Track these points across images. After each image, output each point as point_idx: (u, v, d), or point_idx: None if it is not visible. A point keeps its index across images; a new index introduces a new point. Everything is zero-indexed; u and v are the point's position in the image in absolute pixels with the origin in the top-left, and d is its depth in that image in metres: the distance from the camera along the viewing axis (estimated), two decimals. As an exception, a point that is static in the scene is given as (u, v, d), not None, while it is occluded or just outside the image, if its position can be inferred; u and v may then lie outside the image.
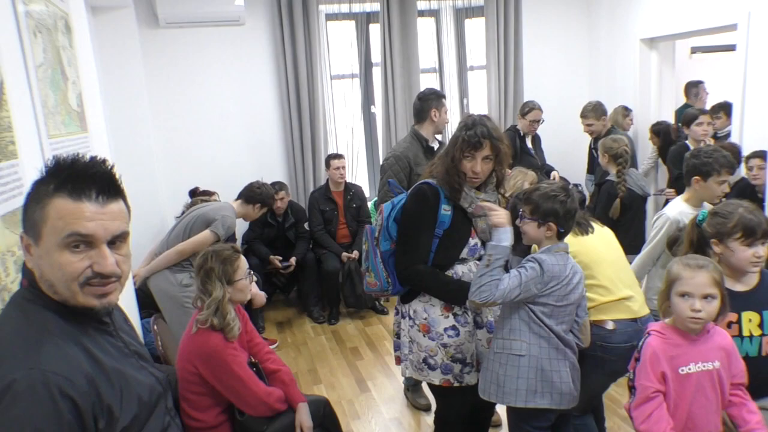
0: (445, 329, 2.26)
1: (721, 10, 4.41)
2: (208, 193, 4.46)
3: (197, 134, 5.13)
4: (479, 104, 5.75)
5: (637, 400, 1.80)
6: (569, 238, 2.23)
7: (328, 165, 4.93)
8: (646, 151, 5.25)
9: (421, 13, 5.42)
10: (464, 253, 2.28)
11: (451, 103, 5.69)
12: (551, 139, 5.13)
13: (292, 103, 5.15)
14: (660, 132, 4.85)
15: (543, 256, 2.01)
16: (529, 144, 4.76)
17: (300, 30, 5.00)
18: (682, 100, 5.66)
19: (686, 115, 4.09)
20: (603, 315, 2.27)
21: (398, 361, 2.50)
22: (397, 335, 2.48)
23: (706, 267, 1.77)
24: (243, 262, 2.40)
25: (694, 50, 6.50)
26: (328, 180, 4.99)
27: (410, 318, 2.32)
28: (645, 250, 2.83)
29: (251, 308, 3.62)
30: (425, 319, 2.27)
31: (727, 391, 1.81)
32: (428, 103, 3.32)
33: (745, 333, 1.98)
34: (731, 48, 4.48)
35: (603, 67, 5.84)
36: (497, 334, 2.14)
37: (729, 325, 1.98)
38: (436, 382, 2.28)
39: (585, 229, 2.37)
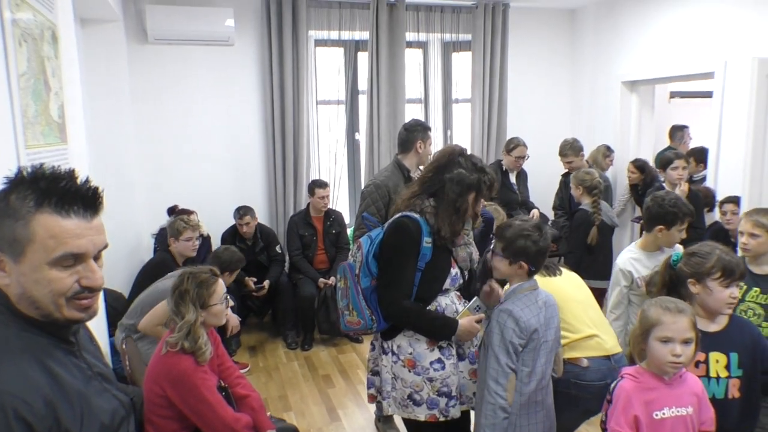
0: (431, 363, 2.22)
1: (699, 59, 4.56)
2: (187, 212, 4.40)
3: (180, 152, 5.09)
4: (463, 137, 5.82)
5: None
6: (536, 280, 2.27)
7: (312, 192, 4.89)
8: (623, 187, 5.33)
9: (410, 44, 5.49)
10: (446, 284, 2.28)
11: (435, 134, 5.74)
12: (531, 175, 5.20)
13: (277, 126, 5.14)
14: (643, 167, 4.94)
15: (510, 306, 2.00)
16: (512, 180, 4.79)
17: (288, 54, 5.03)
18: (660, 142, 5.79)
19: (662, 159, 4.16)
20: (576, 352, 2.28)
21: (372, 399, 2.45)
22: (373, 372, 2.43)
23: (686, 311, 1.78)
24: (220, 287, 2.35)
25: (673, 95, 6.68)
26: (308, 205, 4.97)
27: (393, 354, 2.27)
28: (610, 302, 2.79)
29: (224, 332, 3.54)
30: (410, 354, 2.24)
31: None
32: (414, 135, 3.32)
33: (712, 374, 1.99)
34: (708, 95, 4.61)
35: (585, 107, 5.97)
36: (481, 384, 2.12)
37: (697, 364, 1.98)
38: (422, 417, 2.24)
39: (553, 272, 2.42)
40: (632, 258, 2.72)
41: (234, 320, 3.47)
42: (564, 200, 4.58)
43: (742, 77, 3.89)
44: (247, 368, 4.34)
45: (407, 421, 2.38)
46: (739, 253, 2.93)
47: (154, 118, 4.96)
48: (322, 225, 4.94)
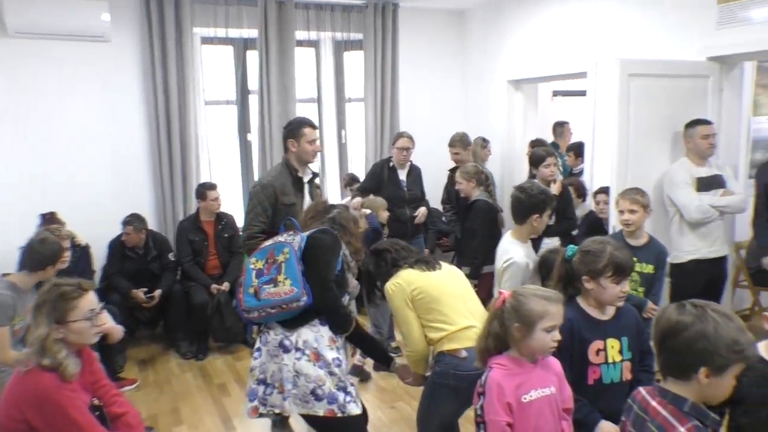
0: (333, 359, 2.31)
1: (575, 59, 4.84)
2: (55, 221, 4.09)
3: (56, 155, 4.70)
4: (356, 136, 5.84)
5: None
6: (417, 274, 2.42)
7: (203, 195, 4.71)
8: (512, 179, 5.50)
9: (300, 43, 5.42)
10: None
11: (329, 134, 5.74)
12: (424, 170, 5.28)
13: (162, 128, 4.90)
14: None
15: None
16: (401, 176, 4.78)
17: (172, 52, 4.81)
18: (545, 138, 6.09)
19: (535, 157, 4.19)
20: (455, 344, 2.33)
21: (255, 412, 2.39)
22: (259, 381, 2.39)
23: (561, 297, 1.88)
24: (85, 302, 2.14)
25: (556, 93, 7.05)
26: (198, 209, 4.78)
27: (298, 350, 2.30)
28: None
29: (107, 344, 3.33)
30: (315, 348, 2.30)
31: (561, 415, 1.89)
32: (287, 133, 3.32)
33: (610, 360, 2.08)
34: (585, 93, 4.89)
35: (475, 104, 6.17)
36: None
37: (597, 352, 2.07)
38: (321, 412, 2.27)
39: (432, 267, 2.52)
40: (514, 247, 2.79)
41: (116, 330, 3.28)
42: (452, 194, 4.67)
43: (609, 77, 4.16)
44: (136, 384, 4.11)
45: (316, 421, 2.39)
46: (611, 229, 3.14)
47: (20, 119, 4.56)
48: (213, 229, 4.77)
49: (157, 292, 4.52)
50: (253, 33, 5.19)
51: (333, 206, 2.73)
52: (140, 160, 5.03)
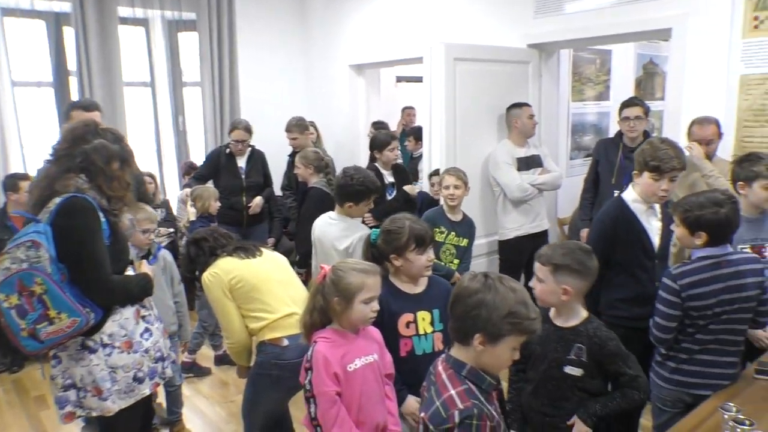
0: (141, 334, 2.18)
1: (412, 44, 4.94)
2: None
3: None
4: (195, 122, 5.54)
5: (322, 407, 1.82)
6: (235, 262, 2.35)
7: (14, 187, 4.15)
8: (354, 164, 5.51)
9: (125, 21, 5.00)
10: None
11: (164, 120, 5.39)
12: (268, 157, 5.13)
13: (-44, 112, 4.29)
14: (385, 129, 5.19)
15: None
16: (240, 163, 4.59)
17: (-38, 24, 4.21)
18: (388, 122, 6.18)
19: (378, 141, 4.17)
20: (277, 332, 2.29)
21: (71, 417, 2.15)
22: (66, 387, 2.12)
23: (378, 270, 1.92)
24: None
25: (399, 79, 7.21)
26: (5, 204, 4.24)
27: (105, 346, 2.09)
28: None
29: None
30: (125, 336, 2.12)
31: (383, 380, 1.94)
32: None
33: (421, 331, 2.14)
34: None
35: (318, 89, 6.11)
36: None
37: (407, 324, 2.12)
38: (148, 392, 2.20)
39: (252, 254, 2.43)
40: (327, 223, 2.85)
41: None
42: (292, 180, 4.58)
43: (441, 63, 4.29)
44: (-73, 408, 3.57)
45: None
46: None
47: None
48: (24, 226, 4.26)
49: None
50: (65, 6, 4.68)
51: (101, 132, 2.13)
52: (-69, 150, 4.36)
